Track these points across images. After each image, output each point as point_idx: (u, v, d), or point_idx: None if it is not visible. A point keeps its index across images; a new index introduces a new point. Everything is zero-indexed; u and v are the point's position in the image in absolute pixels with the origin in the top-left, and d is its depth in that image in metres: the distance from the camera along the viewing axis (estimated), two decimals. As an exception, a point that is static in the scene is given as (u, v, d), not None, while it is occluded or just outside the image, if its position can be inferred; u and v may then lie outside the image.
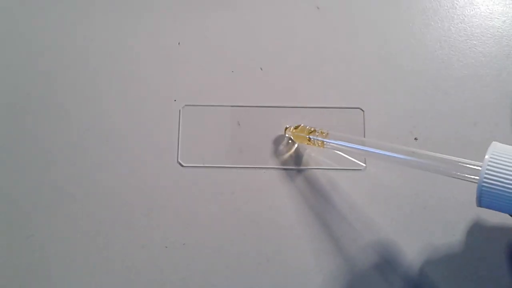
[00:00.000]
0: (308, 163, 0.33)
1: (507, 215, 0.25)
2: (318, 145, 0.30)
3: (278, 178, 0.32)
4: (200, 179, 0.33)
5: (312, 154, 0.33)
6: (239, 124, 0.34)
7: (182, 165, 0.33)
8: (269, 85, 0.34)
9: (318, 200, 0.32)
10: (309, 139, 0.31)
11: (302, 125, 0.32)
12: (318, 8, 0.36)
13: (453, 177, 0.24)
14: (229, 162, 0.33)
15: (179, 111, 0.34)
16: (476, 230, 0.31)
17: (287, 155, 0.33)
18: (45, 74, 0.35)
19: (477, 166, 0.23)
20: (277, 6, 0.36)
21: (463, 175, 0.23)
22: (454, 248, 0.30)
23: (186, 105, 0.34)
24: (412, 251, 0.31)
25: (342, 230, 0.31)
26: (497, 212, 0.23)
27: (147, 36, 0.36)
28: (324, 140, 0.30)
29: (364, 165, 0.32)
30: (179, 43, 0.35)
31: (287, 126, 0.32)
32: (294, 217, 0.31)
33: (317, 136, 0.30)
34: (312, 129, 0.31)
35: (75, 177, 0.33)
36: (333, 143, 0.29)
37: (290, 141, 0.33)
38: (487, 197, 0.22)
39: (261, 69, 0.35)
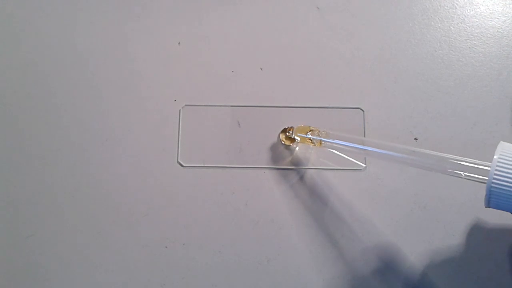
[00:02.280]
0: (308, 163, 0.33)
1: (509, 215, 0.25)
2: (318, 144, 0.30)
3: (278, 178, 0.32)
4: (200, 179, 0.32)
5: (312, 154, 0.33)
6: (239, 124, 0.34)
7: (182, 165, 0.33)
8: (269, 85, 0.34)
9: (318, 200, 0.32)
10: (309, 139, 0.30)
11: (302, 125, 0.32)
12: (318, 8, 0.36)
13: (460, 178, 0.23)
14: (229, 162, 0.33)
15: (179, 111, 0.34)
16: (477, 231, 0.31)
17: (287, 158, 0.33)
18: (45, 74, 0.35)
19: (485, 166, 0.22)
20: (277, 6, 0.36)
21: (471, 175, 0.23)
22: (454, 248, 0.30)
23: (186, 105, 0.34)
24: (412, 251, 0.30)
25: (342, 230, 0.31)
26: (498, 212, 0.23)
27: (147, 36, 0.36)
28: (324, 139, 0.30)
29: (364, 165, 0.32)
30: (179, 43, 0.35)
31: (286, 127, 0.32)
32: (294, 217, 0.31)
33: (316, 135, 0.30)
34: (312, 128, 0.31)
35: (75, 177, 0.33)
36: (332, 142, 0.29)
37: (291, 144, 0.33)
38: (496, 197, 0.22)
39: (261, 69, 0.35)
